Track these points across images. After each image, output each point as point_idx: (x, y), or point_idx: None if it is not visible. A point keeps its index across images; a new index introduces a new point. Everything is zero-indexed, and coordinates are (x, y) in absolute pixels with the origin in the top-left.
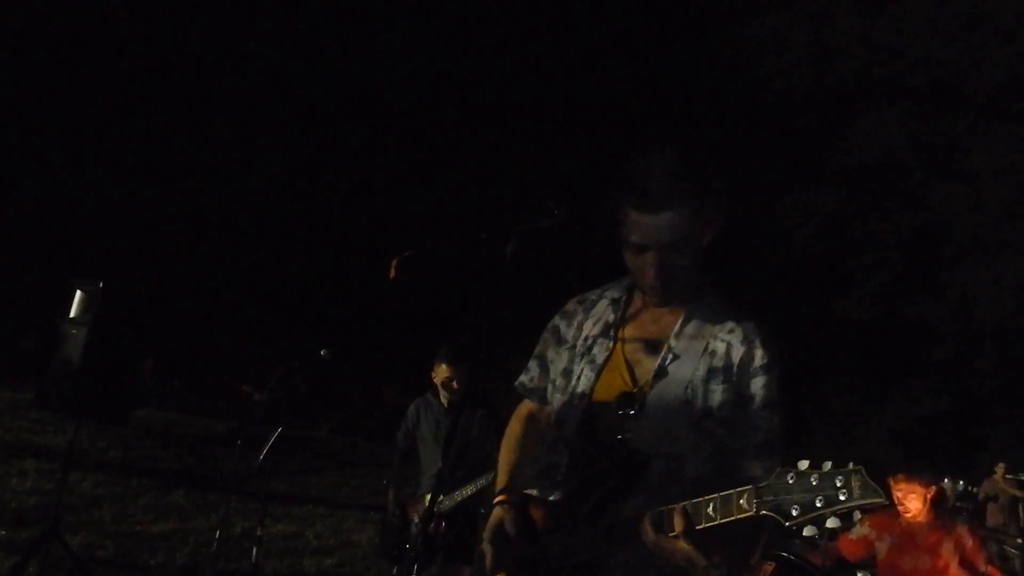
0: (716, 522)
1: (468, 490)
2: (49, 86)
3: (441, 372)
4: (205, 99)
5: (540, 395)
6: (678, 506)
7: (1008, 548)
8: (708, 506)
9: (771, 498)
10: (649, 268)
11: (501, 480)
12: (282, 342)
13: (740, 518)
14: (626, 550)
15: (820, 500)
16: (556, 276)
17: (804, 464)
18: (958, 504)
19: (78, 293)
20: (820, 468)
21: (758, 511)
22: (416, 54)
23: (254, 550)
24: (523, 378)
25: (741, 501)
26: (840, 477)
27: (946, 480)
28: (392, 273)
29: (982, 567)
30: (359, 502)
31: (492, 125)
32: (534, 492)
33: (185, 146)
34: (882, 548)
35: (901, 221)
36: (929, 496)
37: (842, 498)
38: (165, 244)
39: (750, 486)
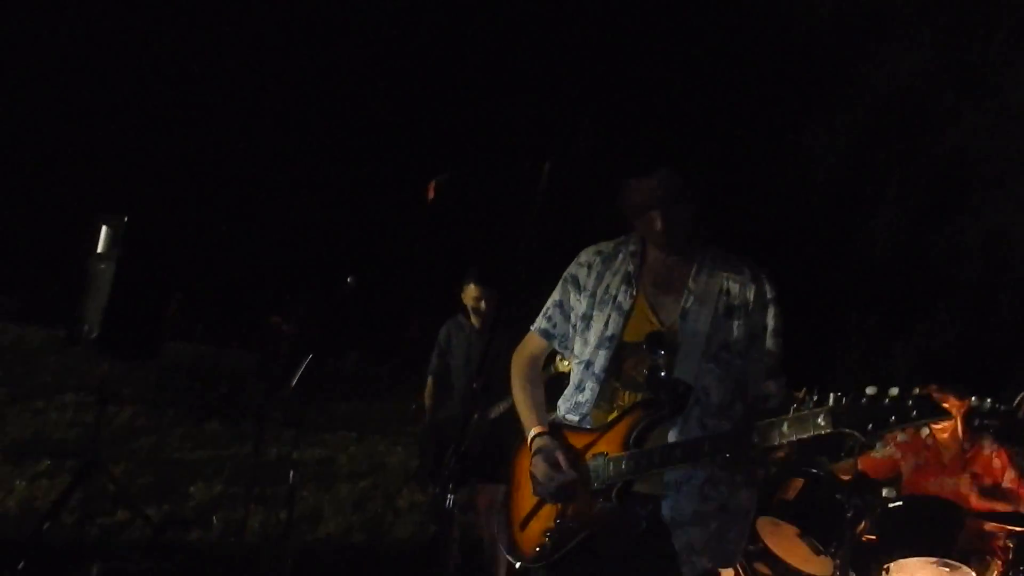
0: (790, 439)
1: (500, 408)
2: (74, 23)
3: (470, 292)
4: (230, 29)
5: (561, 340)
6: (760, 424)
7: None
8: (782, 425)
9: (847, 417)
10: (656, 221)
11: (528, 416)
12: (309, 272)
13: (816, 435)
14: (671, 469)
15: (894, 417)
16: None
17: (872, 389)
18: (986, 422)
19: (104, 228)
20: (888, 392)
21: (836, 429)
22: None
23: (291, 473)
24: (544, 324)
25: (819, 420)
26: (912, 400)
27: (973, 398)
28: (430, 194)
29: (1011, 484)
30: (388, 428)
31: (519, 50)
32: (573, 420)
33: (209, 77)
34: (907, 468)
35: (931, 144)
36: (962, 412)
37: (914, 415)
38: (189, 176)
39: (826, 406)
